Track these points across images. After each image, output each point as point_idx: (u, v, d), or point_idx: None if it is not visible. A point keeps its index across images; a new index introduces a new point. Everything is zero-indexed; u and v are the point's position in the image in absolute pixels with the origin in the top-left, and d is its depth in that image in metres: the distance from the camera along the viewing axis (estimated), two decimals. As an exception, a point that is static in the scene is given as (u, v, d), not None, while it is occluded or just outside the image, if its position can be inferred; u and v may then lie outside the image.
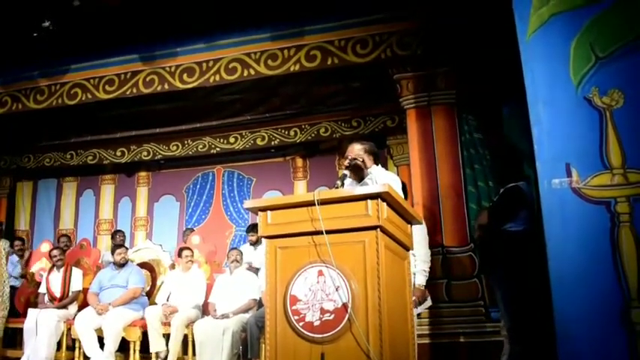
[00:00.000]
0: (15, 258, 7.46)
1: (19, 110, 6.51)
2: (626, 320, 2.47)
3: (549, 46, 2.88)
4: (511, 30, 3.13)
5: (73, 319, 6.16)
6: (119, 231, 8.30)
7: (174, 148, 8.54)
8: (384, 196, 2.81)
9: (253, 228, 6.91)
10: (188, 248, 6.57)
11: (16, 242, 7.69)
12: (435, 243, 4.93)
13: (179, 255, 6.50)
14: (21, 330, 6.44)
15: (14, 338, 6.75)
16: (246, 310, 5.74)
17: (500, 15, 3.45)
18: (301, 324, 2.82)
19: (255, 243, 6.73)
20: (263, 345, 4.81)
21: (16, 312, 6.86)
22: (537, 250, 3.35)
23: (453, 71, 5.29)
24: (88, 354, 5.90)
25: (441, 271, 4.88)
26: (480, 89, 5.33)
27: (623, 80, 2.74)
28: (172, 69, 5.91)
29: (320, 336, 2.76)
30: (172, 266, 6.88)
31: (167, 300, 6.19)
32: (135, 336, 5.95)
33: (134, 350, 5.96)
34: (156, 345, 5.76)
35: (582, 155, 2.69)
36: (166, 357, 5.71)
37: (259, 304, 5.77)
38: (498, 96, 5.28)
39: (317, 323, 2.79)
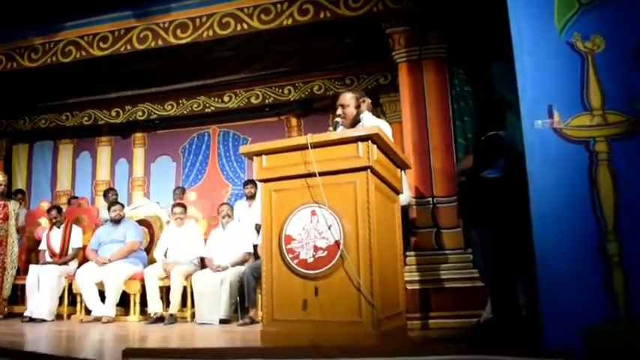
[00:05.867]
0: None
1: (13, 69, 6.50)
2: (602, 252, 2.61)
3: (535, -6, 2.95)
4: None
5: (74, 275, 6.30)
6: (111, 189, 8.38)
7: (169, 107, 8.60)
8: (374, 138, 2.92)
9: (251, 181, 7.02)
10: (180, 205, 6.66)
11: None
12: (425, 193, 5.09)
13: (172, 211, 6.60)
14: (22, 286, 6.60)
15: (15, 294, 6.87)
16: (242, 262, 5.89)
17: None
18: (295, 261, 2.96)
19: (252, 197, 6.83)
20: (259, 295, 4.95)
21: (17, 269, 6.99)
22: (513, 196, 3.49)
23: (444, 26, 5.32)
24: (89, 307, 6.07)
25: (430, 220, 5.03)
26: (470, 44, 5.38)
27: (604, 26, 2.82)
28: (166, 25, 5.90)
29: (313, 272, 2.91)
30: (168, 222, 7.00)
31: (165, 256, 6.31)
32: (135, 289, 6.11)
33: (134, 302, 6.14)
34: (153, 306, 5.89)
35: (564, 97, 2.79)
36: (162, 316, 5.83)
37: (255, 256, 5.92)
38: (488, 51, 5.33)
39: (310, 260, 2.93)
